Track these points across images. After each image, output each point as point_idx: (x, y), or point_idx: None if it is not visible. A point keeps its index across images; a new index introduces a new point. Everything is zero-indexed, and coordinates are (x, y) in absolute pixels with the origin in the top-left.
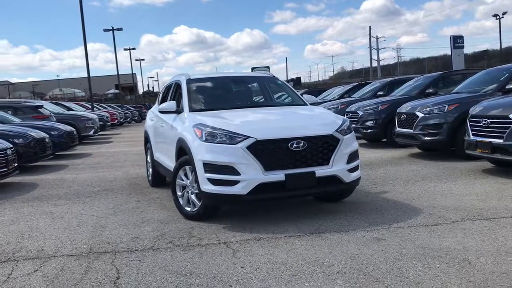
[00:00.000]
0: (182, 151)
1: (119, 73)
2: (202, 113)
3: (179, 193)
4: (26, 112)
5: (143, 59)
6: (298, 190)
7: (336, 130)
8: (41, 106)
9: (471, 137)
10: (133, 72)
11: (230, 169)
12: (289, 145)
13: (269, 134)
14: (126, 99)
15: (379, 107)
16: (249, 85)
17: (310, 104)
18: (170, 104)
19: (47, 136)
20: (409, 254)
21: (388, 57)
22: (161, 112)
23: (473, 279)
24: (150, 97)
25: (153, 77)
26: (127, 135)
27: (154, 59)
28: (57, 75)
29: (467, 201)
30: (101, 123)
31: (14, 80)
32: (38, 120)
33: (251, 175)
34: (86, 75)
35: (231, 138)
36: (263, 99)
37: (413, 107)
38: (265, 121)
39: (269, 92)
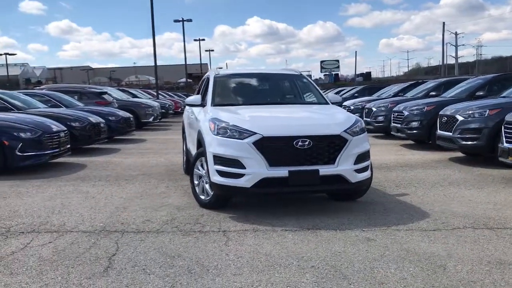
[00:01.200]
0: (200, 143)
1: (192, 63)
2: (222, 108)
3: (196, 182)
4: (90, 98)
5: (212, 50)
6: (301, 187)
7: (345, 131)
8: (105, 93)
9: (505, 144)
10: (205, 63)
11: (236, 163)
12: (294, 142)
13: (275, 131)
14: (195, 88)
15: (425, 108)
16: (274, 83)
17: (333, 103)
18: (196, 98)
19: (103, 121)
20: (390, 256)
21: (467, 55)
22: (187, 105)
23: (438, 284)
24: None
25: (222, 67)
26: None
27: (226, 50)
28: (134, 62)
29: (481, 209)
30: (163, 110)
31: (95, 65)
32: (99, 105)
33: (256, 169)
34: (162, 63)
35: (240, 133)
36: (287, 97)
37: (456, 110)
38: (275, 118)
39: (295, 90)
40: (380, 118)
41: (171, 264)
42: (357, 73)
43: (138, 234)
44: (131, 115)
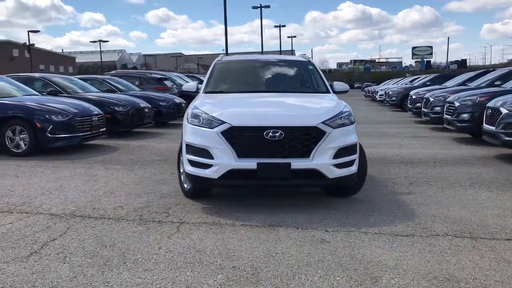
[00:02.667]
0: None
1: (280, 50)
2: (211, 95)
3: (181, 170)
4: (150, 83)
5: (294, 36)
6: (270, 180)
7: (324, 122)
8: (166, 79)
9: None
10: (291, 50)
11: (205, 153)
12: (264, 133)
13: (245, 121)
14: None
15: (477, 99)
16: (275, 70)
17: (337, 92)
18: (192, 85)
19: (149, 106)
20: (328, 261)
21: None
22: (184, 91)
23: None
24: None
25: (305, 53)
26: None
27: (316, 36)
28: (222, 49)
29: (481, 215)
30: None
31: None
32: (158, 91)
33: (223, 160)
34: (251, 50)
35: (210, 122)
36: (284, 85)
37: (502, 102)
38: (251, 107)
39: (297, 78)
40: (437, 109)
41: (94, 254)
42: (453, 60)
43: (96, 220)
44: (184, 101)
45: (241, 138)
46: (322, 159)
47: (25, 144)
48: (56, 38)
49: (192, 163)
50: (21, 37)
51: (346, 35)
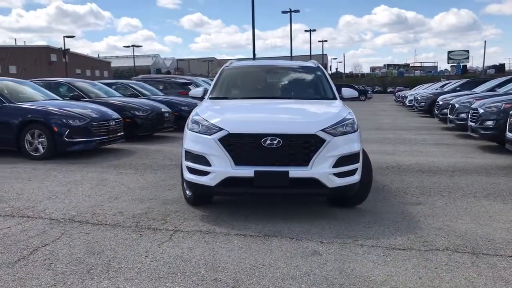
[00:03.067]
0: None
1: (311, 54)
2: (215, 101)
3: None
4: (174, 88)
5: (325, 41)
6: (268, 189)
7: (323, 130)
8: (190, 83)
9: None
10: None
11: (203, 160)
12: (262, 141)
13: (242, 128)
14: None
15: (503, 106)
16: (283, 76)
17: (346, 98)
18: (198, 90)
19: (170, 111)
20: (315, 275)
21: None
22: (191, 97)
23: None
24: (336, 78)
25: (336, 58)
26: None
27: (350, 40)
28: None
29: (489, 229)
30: None
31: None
32: (182, 95)
33: (220, 167)
34: (285, 54)
35: (209, 129)
36: (290, 91)
37: None
38: (251, 114)
39: (304, 84)
40: (463, 116)
41: (80, 261)
42: (490, 65)
43: (92, 226)
44: None
45: (239, 145)
46: (321, 168)
47: (43, 148)
48: (95, 43)
49: (191, 170)
50: (61, 42)
51: (380, 39)
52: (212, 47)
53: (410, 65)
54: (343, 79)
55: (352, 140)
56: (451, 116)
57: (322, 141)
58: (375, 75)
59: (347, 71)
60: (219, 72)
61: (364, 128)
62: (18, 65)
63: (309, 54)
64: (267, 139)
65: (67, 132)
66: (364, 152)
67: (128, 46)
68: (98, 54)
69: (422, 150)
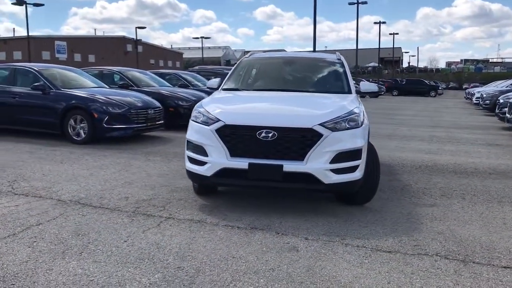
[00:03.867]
0: None
1: (384, 47)
2: (225, 93)
3: None
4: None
5: (397, 33)
6: (262, 182)
7: (321, 124)
8: None
9: None
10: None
11: (201, 150)
12: (257, 133)
13: (239, 120)
14: (384, 73)
15: None
16: (300, 68)
17: (363, 92)
18: (215, 81)
19: None
20: (280, 271)
21: None
22: (208, 88)
23: None
24: (409, 72)
25: (408, 51)
26: None
27: (428, 34)
28: (325, 46)
29: (497, 237)
30: None
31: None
32: None
33: (216, 158)
34: (350, 48)
35: (207, 119)
36: (304, 84)
37: None
38: (252, 106)
39: (321, 77)
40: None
41: (61, 241)
42: None
43: (93, 209)
44: None
45: (234, 137)
46: (317, 163)
47: (84, 133)
48: (171, 34)
49: (190, 160)
50: (139, 33)
51: (460, 32)
52: (283, 39)
53: (490, 61)
54: (415, 73)
55: (354, 136)
56: (508, 115)
57: (319, 135)
58: (450, 71)
59: (422, 65)
60: (237, 63)
61: (418, 125)
62: (97, 54)
63: (385, 47)
64: (262, 131)
65: (106, 119)
66: (371, 148)
67: (198, 38)
68: (171, 45)
69: (468, 150)
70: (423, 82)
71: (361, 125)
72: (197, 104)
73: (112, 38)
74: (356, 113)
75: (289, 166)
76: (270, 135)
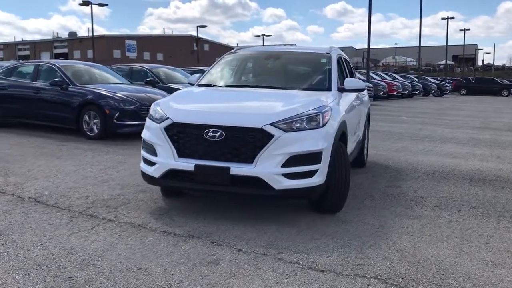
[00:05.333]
0: None
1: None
2: (197, 88)
3: None
4: None
5: (468, 29)
6: (209, 185)
7: (272, 124)
8: None
9: None
10: (473, 44)
11: (152, 149)
12: (204, 132)
13: (185, 117)
14: (456, 71)
15: None
16: (282, 63)
17: (347, 90)
18: (195, 76)
19: None
20: (171, 286)
21: None
22: (189, 83)
23: None
24: (484, 71)
25: (481, 48)
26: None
27: (510, 29)
28: (395, 43)
29: (465, 261)
30: None
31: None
32: None
33: (164, 158)
34: (432, 44)
35: (159, 116)
36: (283, 80)
37: None
38: (202, 103)
39: (303, 73)
40: None
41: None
42: None
43: (44, 207)
44: None
45: (182, 136)
46: (267, 166)
47: (97, 129)
48: (241, 33)
49: (143, 160)
50: (211, 32)
51: None
52: (354, 36)
53: None
54: (491, 72)
55: (312, 137)
56: None
57: (270, 136)
58: None
59: (500, 63)
60: (220, 58)
61: (464, 126)
62: (165, 53)
63: (446, 44)
64: (209, 131)
65: (117, 115)
66: (340, 151)
67: (258, 36)
68: (237, 44)
69: (503, 156)
70: (494, 81)
71: (323, 126)
72: (157, 101)
73: (180, 37)
74: (318, 113)
75: (237, 169)
76: (217, 134)
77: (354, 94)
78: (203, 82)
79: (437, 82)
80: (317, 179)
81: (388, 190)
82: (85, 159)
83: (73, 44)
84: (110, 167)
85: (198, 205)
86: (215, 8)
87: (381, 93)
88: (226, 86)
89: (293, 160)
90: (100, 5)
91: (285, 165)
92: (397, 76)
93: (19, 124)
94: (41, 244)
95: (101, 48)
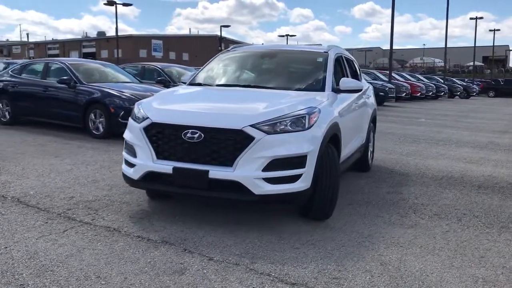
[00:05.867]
0: None
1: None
2: (187, 87)
3: None
4: None
5: (498, 30)
6: (187, 189)
7: (253, 125)
8: None
9: None
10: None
11: (132, 150)
12: (182, 133)
13: (164, 118)
14: (486, 73)
15: None
16: (276, 62)
17: (343, 90)
18: (188, 75)
19: None
20: (130, 287)
21: None
22: (182, 82)
23: None
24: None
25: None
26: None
27: None
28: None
29: (451, 276)
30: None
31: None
32: None
33: (143, 160)
34: (462, 45)
35: (140, 116)
36: (275, 80)
37: None
38: (184, 103)
39: (293, 72)
40: None
41: None
42: None
43: (22, 208)
44: None
45: (161, 136)
46: (246, 170)
47: (102, 127)
48: (268, 33)
49: (125, 161)
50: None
51: None
52: (382, 37)
53: None
54: None
55: (297, 140)
56: None
57: (250, 138)
58: None
59: None
60: (215, 56)
61: (485, 130)
62: (190, 52)
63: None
64: (188, 131)
65: (121, 113)
66: (330, 155)
67: (283, 36)
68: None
69: None
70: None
71: (309, 128)
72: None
73: (206, 37)
74: (304, 114)
75: (216, 173)
76: (195, 136)
77: (353, 95)
78: (194, 81)
79: (463, 83)
80: (301, 185)
81: (387, 196)
82: (83, 158)
83: (100, 43)
84: (105, 167)
85: (181, 209)
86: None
87: (403, 94)
88: (217, 85)
89: (275, 164)
90: (125, 4)
91: (266, 169)
92: (421, 77)
93: (30, 122)
94: (5, 248)
95: (128, 48)
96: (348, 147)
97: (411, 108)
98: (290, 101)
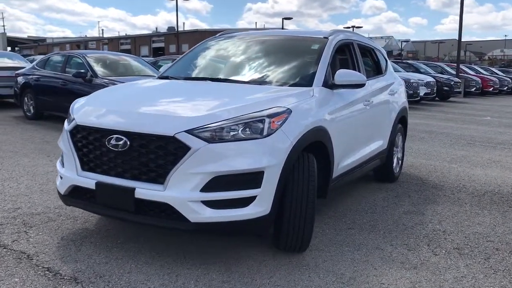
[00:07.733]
0: None
1: None
2: (150, 81)
3: None
4: None
5: None
6: (111, 210)
7: (189, 131)
8: None
9: None
10: None
11: (62, 158)
12: (106, 140)
13: (88, 119)
14: None
15: None
16: (267, 51)
17: (338, 85)
18: (164, 67)
19: None
20: None
21: None
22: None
23: None
24: None
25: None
26: (446, 109)
27: None
28: (505, 35)
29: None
30: (446, 88)
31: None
32: None
33: (68, 171)
34: None
35: (71, 117)
36: (259, 72)
37: None
38: (126, 101)
39: (280, 63)
40: None
41: None
42: None
43: None
44: None
45: (85, 143)
46: (180, 190)
47: None
48: (339, 25)
49: (58, 174)
50: (309, 25)
51: None
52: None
53: None
54: None
55: (250, 151)
56: None
57: (185, 148)
58: None
59: None
60: (197, 45)
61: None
62: None
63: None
64: (112, 137)
65: None
66: (302, 169)
67: (349, 27)
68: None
69: None
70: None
71: (268, 135)
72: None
73: (268, 30)
74: (261, 116)
75: (143, 191)
76: (120, 143)
77: (363, 91)
78: (164, 73)
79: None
80: (256, 210)
81: (403, 217)
82: None
83: (169, 38)
84: None
85: (132, 229)
86: (312, 2)
87: (473, 89)
88: (185, 78)
89: (219, 182)
90: None
91: (206, 188)
92: (496, 71)
93: (54, 118)
94: None
95: (195, 42)
96: (353, 156)
97: (479, 104)
98: (257, 99)
